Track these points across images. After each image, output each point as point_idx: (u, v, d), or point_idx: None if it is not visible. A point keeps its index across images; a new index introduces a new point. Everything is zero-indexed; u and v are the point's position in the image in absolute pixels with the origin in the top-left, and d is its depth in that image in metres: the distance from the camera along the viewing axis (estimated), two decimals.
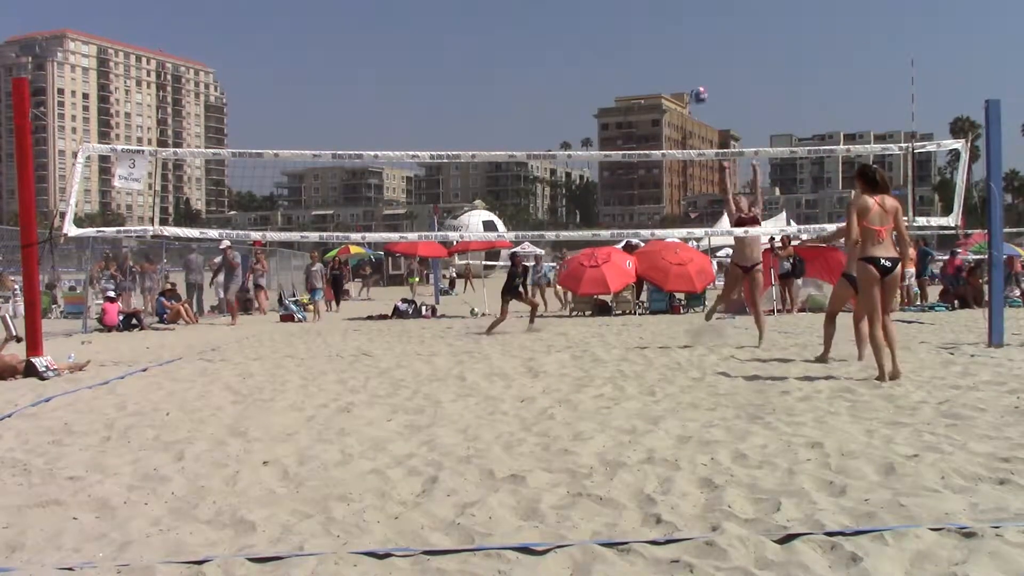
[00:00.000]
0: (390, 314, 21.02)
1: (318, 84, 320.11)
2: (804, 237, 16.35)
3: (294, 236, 45.09)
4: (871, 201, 7.56)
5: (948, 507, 3.75)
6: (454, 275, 44.51)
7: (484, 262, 33.38)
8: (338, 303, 26.12)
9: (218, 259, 20.88)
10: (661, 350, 10.92)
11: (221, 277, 20.51)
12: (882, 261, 7.51)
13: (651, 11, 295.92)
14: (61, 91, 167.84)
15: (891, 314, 7.88)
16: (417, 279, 35.74)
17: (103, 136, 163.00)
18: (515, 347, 11.88)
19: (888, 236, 7.58)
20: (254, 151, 14.25)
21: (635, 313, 19.91)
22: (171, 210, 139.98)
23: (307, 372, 9.37)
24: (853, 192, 7.61)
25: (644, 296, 20.79)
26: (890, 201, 7.62)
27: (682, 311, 19.97)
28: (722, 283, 25.68)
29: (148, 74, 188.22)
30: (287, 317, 19.88)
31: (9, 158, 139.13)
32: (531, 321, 15.20)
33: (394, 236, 46.04)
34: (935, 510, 3.70)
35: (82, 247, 21.13)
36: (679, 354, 10.32)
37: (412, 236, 40.26)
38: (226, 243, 19.54)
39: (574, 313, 20.42)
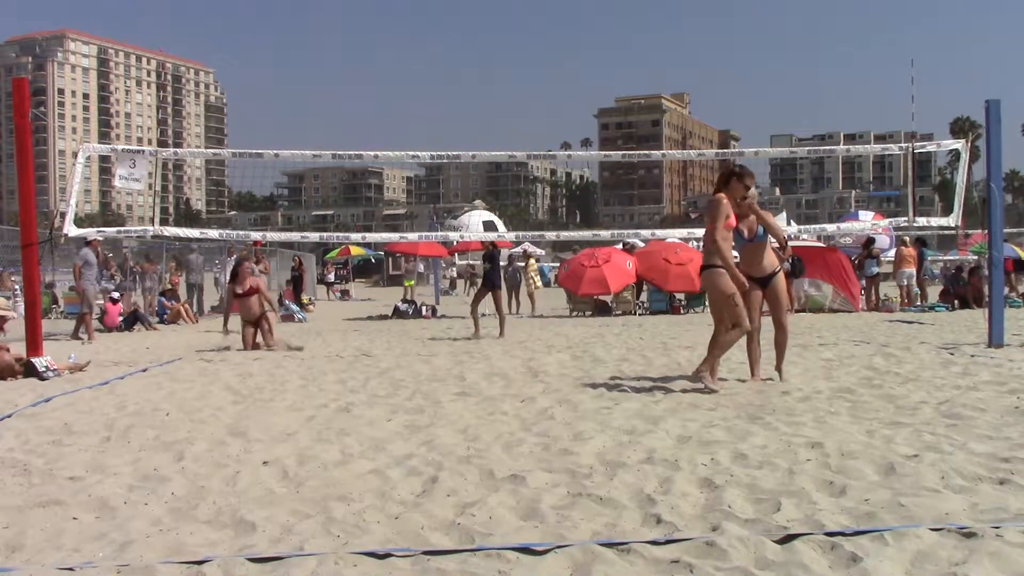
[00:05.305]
0: (390, 314, 21.05)
1: (318, 84, 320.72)
2: (804, 237, 16.37)
3: (294, 236, 45.04)
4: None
5: (948, 507, 3.74)
6: (454, 275, 44.52)
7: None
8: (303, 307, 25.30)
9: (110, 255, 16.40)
10: (661, 350, 10.92)
11: (124, 282, 16.40)
12: None
13: (651, 11, 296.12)
14: (61, 91, 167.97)
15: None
16: (413, 281, 33.86)
17: (103, 136, 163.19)
18: (515, 347, 11.89)
19: None
20: (254, 151, 14.29)
21: (635, 313, 19.91)
22: (171, 210, 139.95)
23: (307, 372, 9.36)
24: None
25: (644, 296, 20.81)
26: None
27: (682, 311, 19.98)
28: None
29: (148, 74, 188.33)
30: (287, 318, 19.87)
31: (9, 158, 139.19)
32: (500, 332, 13.89)
33: (394, 236, 46.02)
34: (935, 510, 3.70)
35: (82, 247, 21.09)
36: (679, 354, 10.32)
37: (412, 236, 40.21)
38: (94, 236, 15.77)
39: (574, 313, 20.43)
